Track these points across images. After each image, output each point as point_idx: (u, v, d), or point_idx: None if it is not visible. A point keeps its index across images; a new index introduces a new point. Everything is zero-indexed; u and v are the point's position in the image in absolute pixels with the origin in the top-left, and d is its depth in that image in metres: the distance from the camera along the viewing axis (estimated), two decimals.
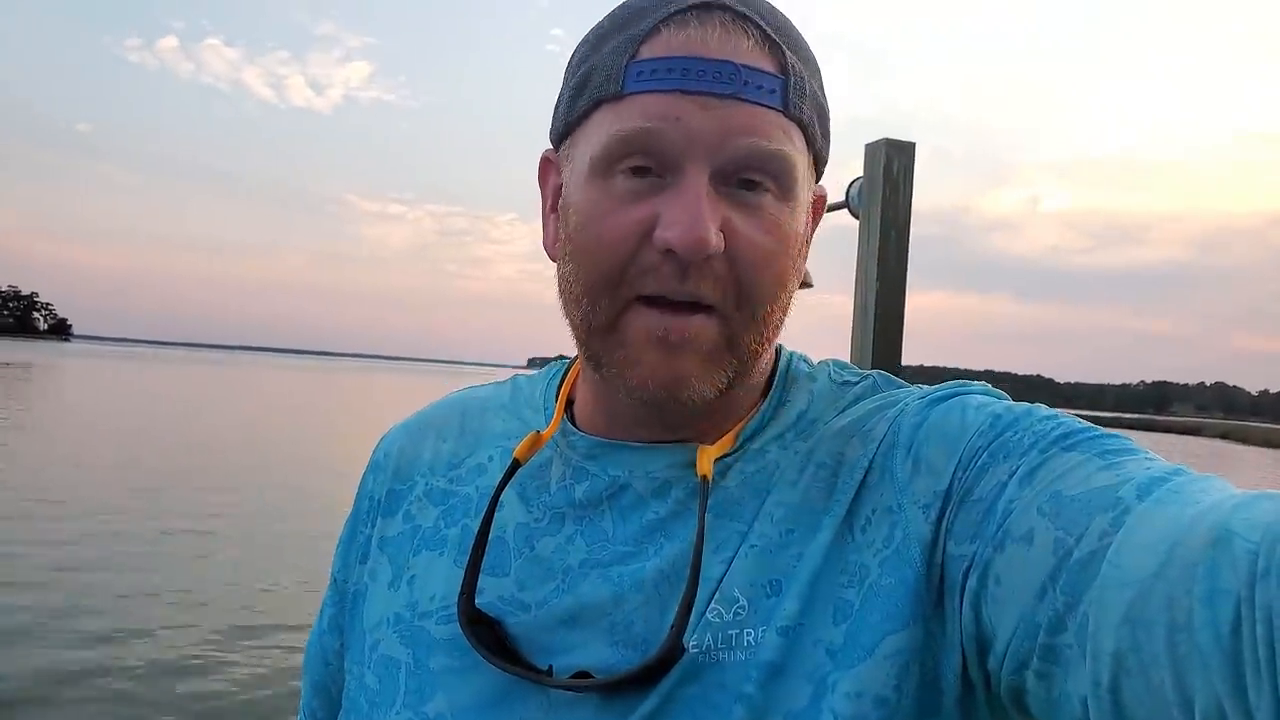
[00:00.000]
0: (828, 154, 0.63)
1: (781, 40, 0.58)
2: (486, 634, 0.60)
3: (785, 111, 0.56)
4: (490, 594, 0.62)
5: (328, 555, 0.78)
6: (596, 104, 0.58)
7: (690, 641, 0.55)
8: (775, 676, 0.54)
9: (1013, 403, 0.60)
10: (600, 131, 0.57)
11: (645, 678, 0.54)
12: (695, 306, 0.57)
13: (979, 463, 0.54)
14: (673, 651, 0.54)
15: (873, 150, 2.91)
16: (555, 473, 0.65)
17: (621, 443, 0.63)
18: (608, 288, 0.57)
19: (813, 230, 0.64)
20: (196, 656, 5.85)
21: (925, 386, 0.64)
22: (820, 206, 0.65)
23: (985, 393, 0.62)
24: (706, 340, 0.57)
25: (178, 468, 14.10)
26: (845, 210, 2.74)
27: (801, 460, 0.61)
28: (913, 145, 2.90)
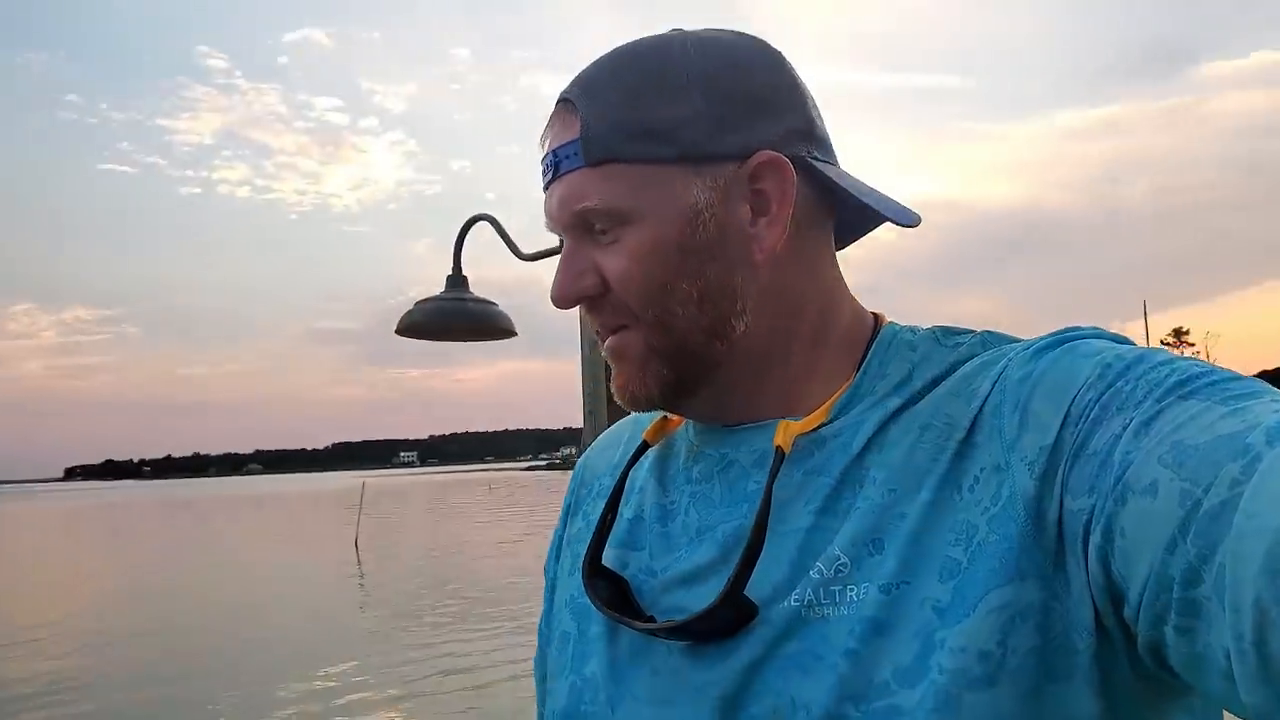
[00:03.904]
0: (713, 128, 0.63)
1: (582, 99, 0.65)
2: (606, 589, 0.68)
3: (589, 165, 0.64)
4: (633, 567, 0.69)
5: None
6: None
7: (793, 596, 0.59)
8: (880, 632, 0.56)
9: (1124, 348, 0.58)
10: None
11: (707, 624, 0.59)
12: (620, 326, 0.67)
13: (1091, 415, 0.54)
14: (726, 600, 0.59)
15: None
16: (682, 457, 0.72)
17: (730, 427, 0.69)
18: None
19: (779, 193, 0.64)
20: None
21: (1033, 339, 0.63)
22: (776, 168, 0.64)
23: (1098, 336, 0.61)
24: (633, 350, 0.67)
25: None
26: None
27: (905, 422, 0.62)
28: None
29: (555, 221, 0.68)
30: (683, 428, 0.75)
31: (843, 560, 0.59)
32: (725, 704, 0.59)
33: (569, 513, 0.83)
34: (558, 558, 0.82)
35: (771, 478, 0.62)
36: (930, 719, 0.53)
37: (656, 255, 0.64)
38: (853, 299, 0.72)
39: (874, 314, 0.73)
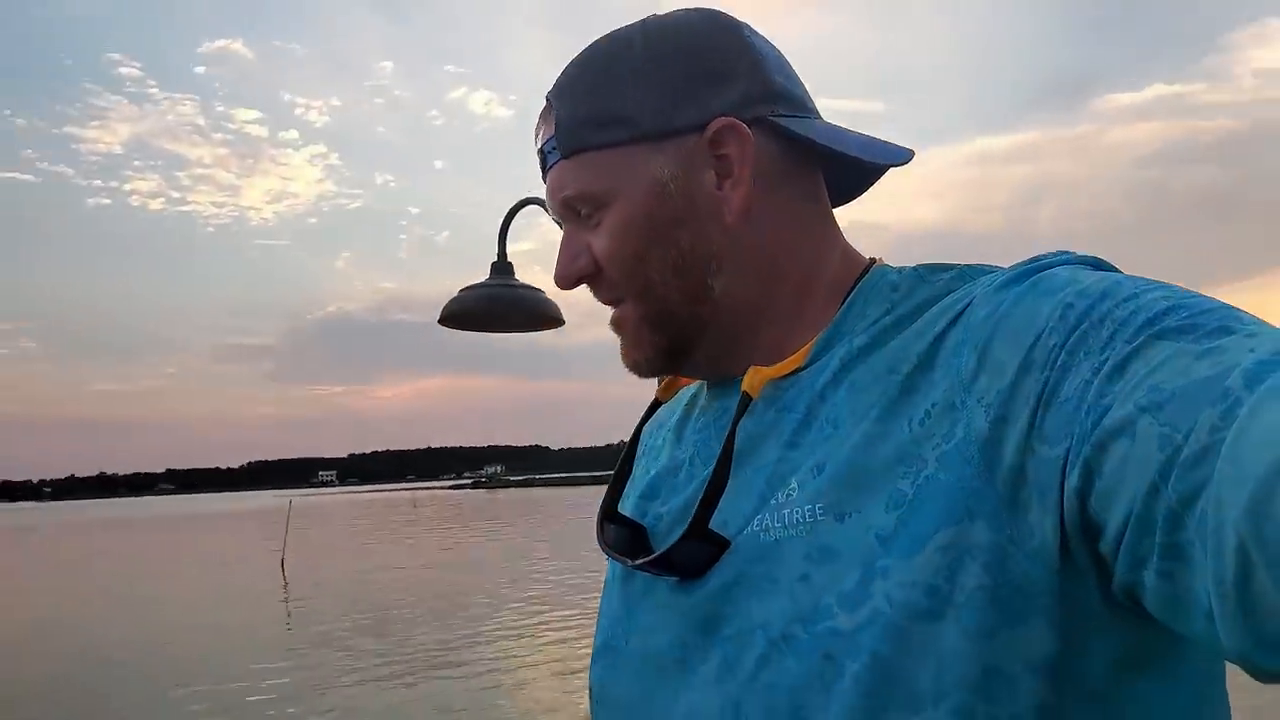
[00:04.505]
0: (668, 104, 0.67)
1: (556, 98, 0.70)
2: (624, 536, 0.73)
3: (565, 157, 0.69)
4: (650, 514, 0.73)
5: None
6: None
7: (754, 523, 0.62)
8: (828, 558, 0.58)
9: (1089, 280, 0.56)
10: None
11: (681, 557, 0.64)
12: (617, 300, 0.71)
13: (1059, 362, 0.53)
14: (689, 534, 0.63)
15: None
16: (696, 413, 0.76)
17: (731, 381, 0.72)
18: None
19: (740, 155, 0.67)
20: None
21: (1004, 269, 0.63)
22: (734, 132, 0.67)
23: (1065, 262, 0.60)
24: (628, 321, 0.71)
25: None
26: None
27: (874, 360, 0.63)
28: None
29: (551, 210, 0.73)
30: (701, 387, 0.79)
31: (792, 486, 0.62)
32: (702, 626, 0.64)
33: None
34: None
35: (735, 421, 0.66)
36: (879, 648, 0.54)
37: (630, 230, 0.68)
38: (846, 246, 0.73)
39: (871, 259, 0.73)
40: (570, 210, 0.71)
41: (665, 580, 0.68)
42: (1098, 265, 0.61)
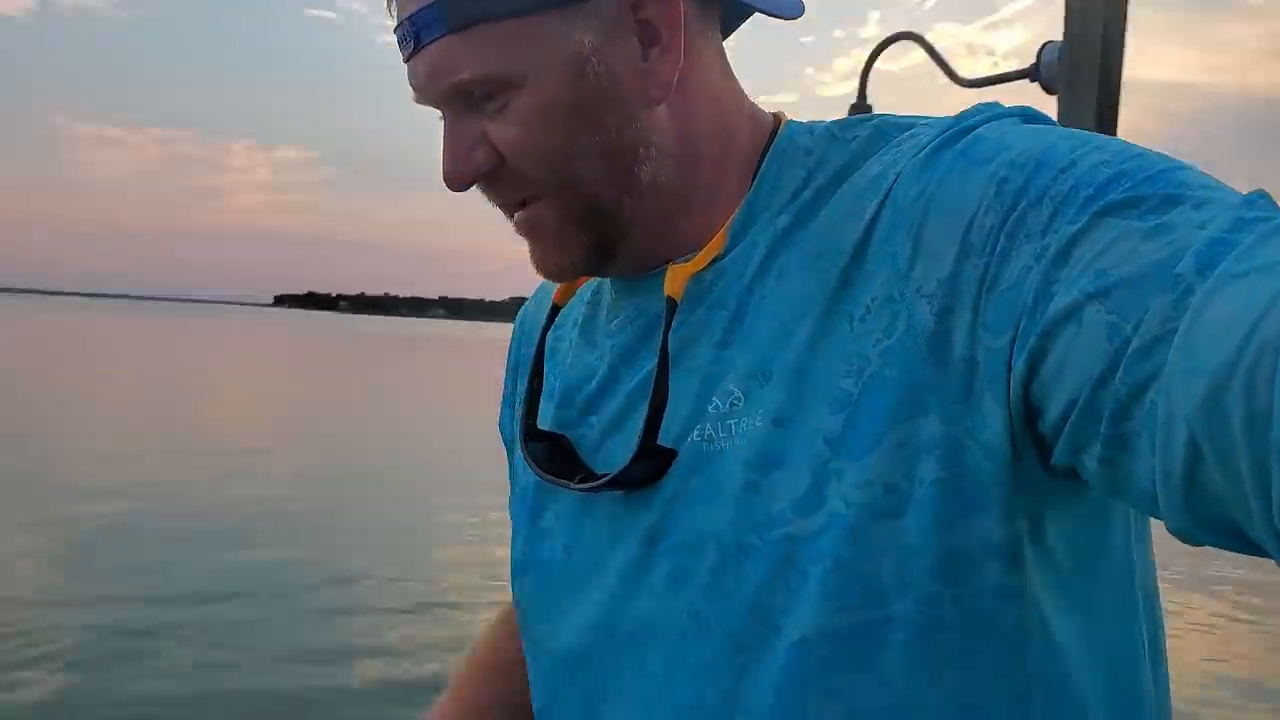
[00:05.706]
0: None
1: None
2: (542, 450, 0.68)
3: (453, 31, 0.56)
4: (571, 425, 0.69)
5: None
6: None
7: (695, 432, 0.59)
8: (775, 464, 0.56)
9: (1021, 145, 0.52)
10: None
11: (631, 475, 0.60)
12: (526, 199, 0.62)
13: (998, 247, 0.50)
14: (640, 454, 0.59)
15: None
16: (604, 314, 0.70)
17: (644, 276, 0.66)
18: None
19: (666, 17, 0.59)
20: None
21: (927, 129, 0.58)
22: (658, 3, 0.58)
23: (998, 115, 0.57)
24: (548, 223, 0.62)
25: None
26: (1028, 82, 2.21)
27: (800, 244, 0.60)
28: None
29: (426, 97, 0.61)
30: (605, 284, 0.72)
31: (736, 394, 0.59)
32: (648, 536, 0.61)
33: (515, 370, 0.82)
34: (513, 417, 0.80)
35: (665, 330, 0.61)
36: (840, 550, 0.53)
37: (549, 117, 0.59)
38: (750, 105, 0.67)
39: (775, 115, 0.67)
40: (460, 96, 0.59)
41: (604, 493, 0.64)
42: (1027, 116, 0.58)
